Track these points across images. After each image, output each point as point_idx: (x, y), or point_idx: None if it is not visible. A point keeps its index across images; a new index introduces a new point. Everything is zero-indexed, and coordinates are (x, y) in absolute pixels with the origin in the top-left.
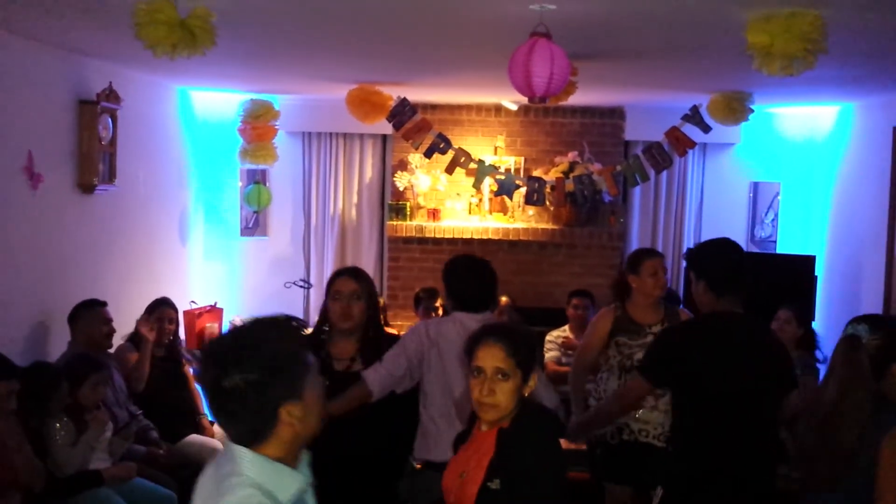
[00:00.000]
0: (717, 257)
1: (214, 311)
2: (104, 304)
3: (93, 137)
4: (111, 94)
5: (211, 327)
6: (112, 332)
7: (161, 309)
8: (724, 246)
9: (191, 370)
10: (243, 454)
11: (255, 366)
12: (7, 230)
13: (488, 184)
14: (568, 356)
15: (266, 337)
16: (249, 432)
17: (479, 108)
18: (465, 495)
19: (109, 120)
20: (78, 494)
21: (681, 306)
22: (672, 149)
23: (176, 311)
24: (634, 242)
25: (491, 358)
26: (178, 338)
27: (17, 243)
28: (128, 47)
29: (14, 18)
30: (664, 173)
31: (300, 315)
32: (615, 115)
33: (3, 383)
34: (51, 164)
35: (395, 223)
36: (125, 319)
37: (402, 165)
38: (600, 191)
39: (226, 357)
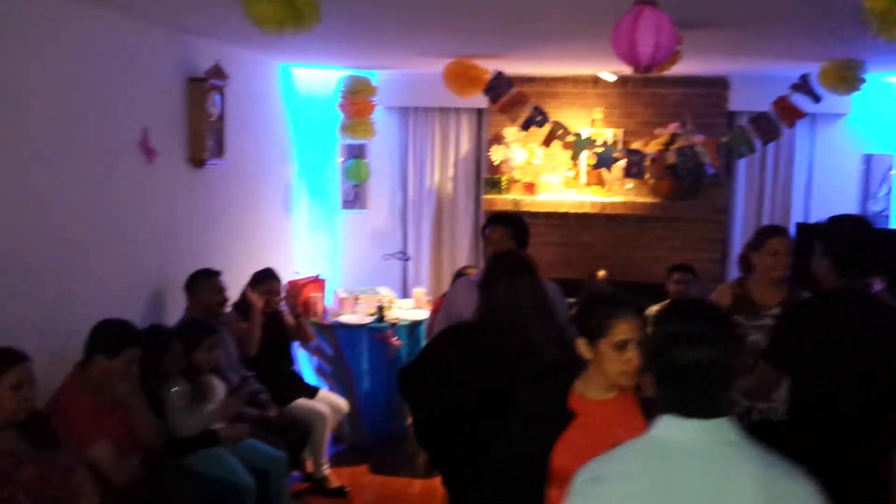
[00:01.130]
0: (849, 237)
1: (318, 282)
2: (218, 273)
3: (202, 114)
4: (218, 72)
5: (315, 297)
6: (225, 300)
7: (269, 282)
8: (858, 225)
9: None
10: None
11: (730, 347)
12: (126, 203)
13: (586, 157)
14: None
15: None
16: (720, 410)
17: (576, 80)
18: None
19: (217, 97)
20: (195, 453)
21: None
22: (780, 119)
23: (280, 282)
24: (739, 217)
25: (633, 329)
26: (281, 309)
27: (135, 215)
28: (233, 26)
29: (126, 1)
30: (770, 146)
31: (399, 287)
32: (719, 84)
33: (129, 350)
34: (163, 139)
35: (490, 197)
36: (233, 288)
37: (498, 139)
38: (703, 163)
39: (725, 336)
